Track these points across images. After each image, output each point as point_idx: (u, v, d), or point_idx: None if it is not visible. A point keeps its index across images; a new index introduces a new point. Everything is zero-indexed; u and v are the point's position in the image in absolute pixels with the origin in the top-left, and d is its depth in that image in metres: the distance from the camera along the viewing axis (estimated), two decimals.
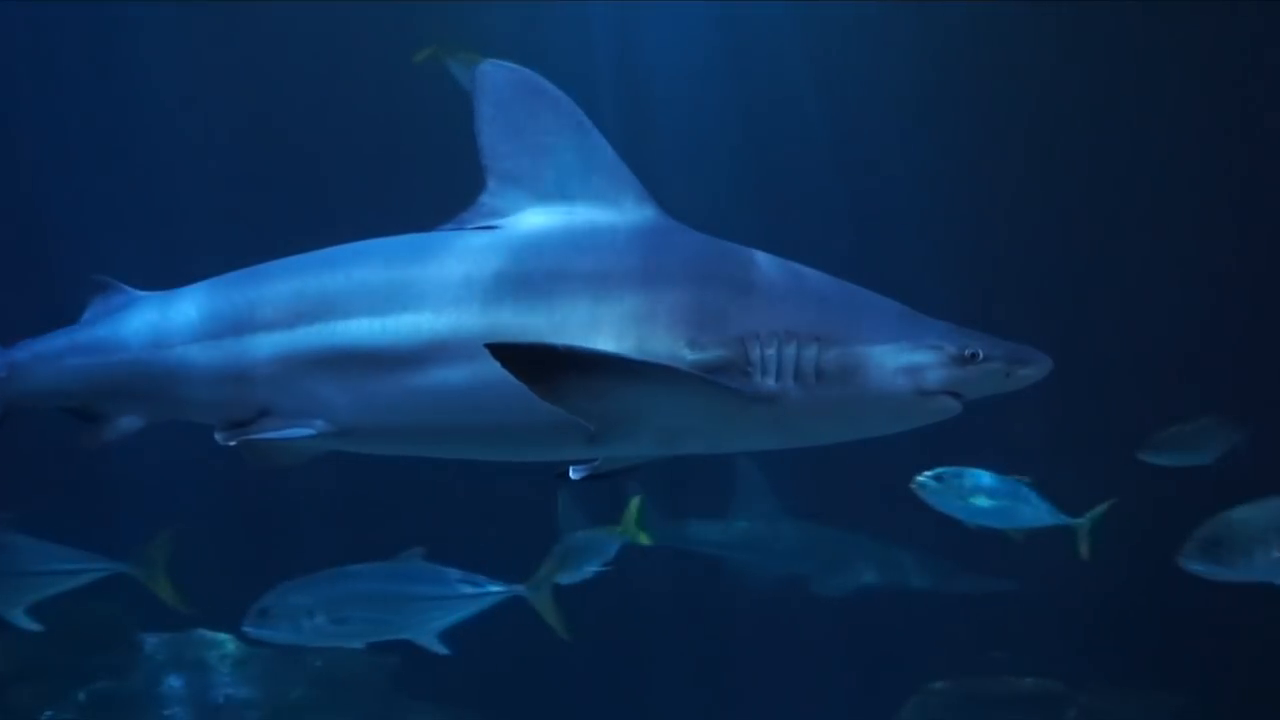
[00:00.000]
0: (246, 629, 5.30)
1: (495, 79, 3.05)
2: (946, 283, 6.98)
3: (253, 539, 7.38)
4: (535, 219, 3.01)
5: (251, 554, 6.88)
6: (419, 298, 2.89)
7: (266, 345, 2.99)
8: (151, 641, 7.06)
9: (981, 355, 2.74)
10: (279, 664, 7.11)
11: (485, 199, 3.02)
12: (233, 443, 2.99)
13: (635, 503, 6.09)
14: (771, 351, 2.70)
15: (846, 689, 6.97)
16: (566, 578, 6.06)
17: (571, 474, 3.12)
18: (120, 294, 3.41)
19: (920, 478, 5.30)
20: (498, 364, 2.48)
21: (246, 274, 3.21)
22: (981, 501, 5.28)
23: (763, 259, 2.95)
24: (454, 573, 5.45)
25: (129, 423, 3.31)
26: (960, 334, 2.79)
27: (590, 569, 6.12)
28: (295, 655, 6.96)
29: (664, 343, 2.70)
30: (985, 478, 5.29)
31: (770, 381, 2.68)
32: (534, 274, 2.90)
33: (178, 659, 7.08)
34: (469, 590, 5.43)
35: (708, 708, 7.33)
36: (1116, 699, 6.46)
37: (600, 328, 2.76)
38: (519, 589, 5.54)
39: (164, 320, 3.19)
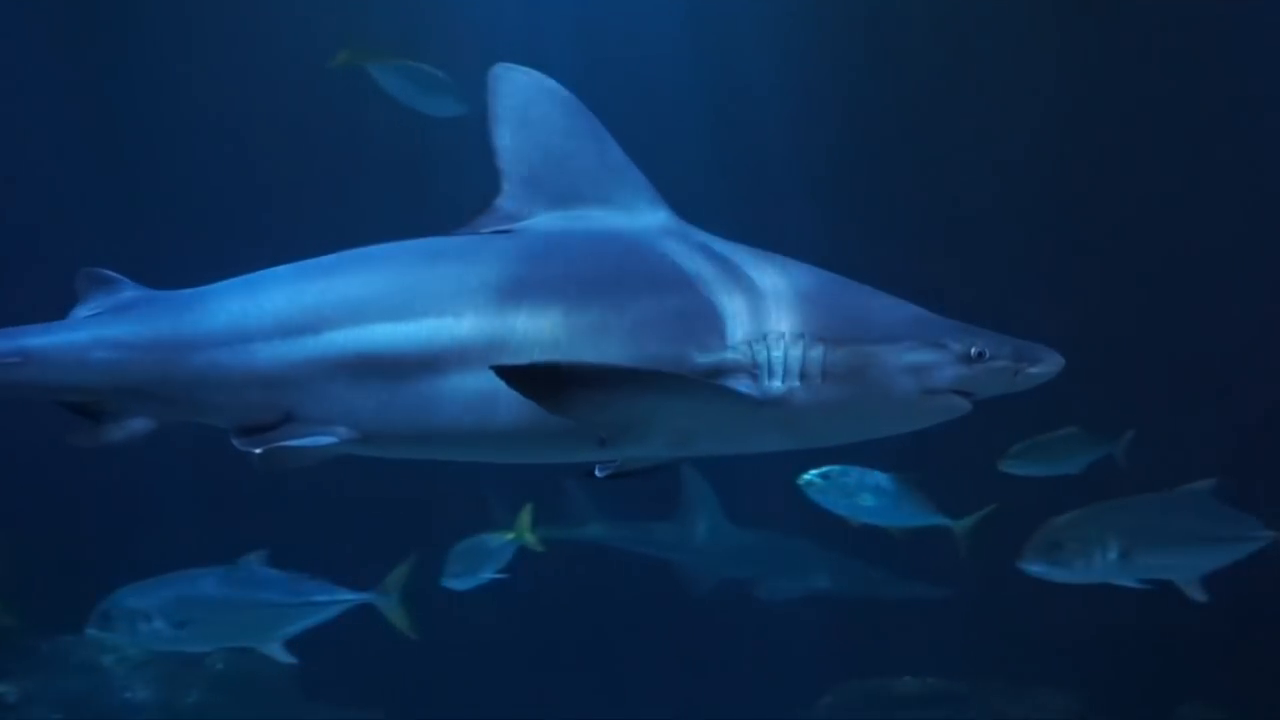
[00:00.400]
0: (90, 631, 5.18)
1: (509, 82, 3.10)
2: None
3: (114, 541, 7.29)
4: (549, 223, 3.06)
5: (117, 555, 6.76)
6: (437, 302, 2.93)
7: (293, 350, 3.01)
8: (46, 645, 6.89)
9: (988, 354, 2.75)
10: (178, 667, 6.98)
11: (500, 202, 3.06)
12: (257, 450, 2.98)
13: (528, 508, 6.08)
14: (778, 353, 2.75)
15: (756, 688, 7.01)
16: (461, 583, 6.02)
17: (597, 473, 3.15)
18: (129, 290, 3.35)
19: (806, 476, 5.34)
20: None
21: (267, 276, 3.21)
22: (866, 500, 5.34)
23: (771, 259, 2.99)
24: (298, 578, 5.28)
25: (140, 424, 3.26)
26: (967, 332, 2.80)
27: (485, 575, 6.04)
28: (195, 658, 6.85)
29: (672, 346, 2.74)
30: (870, 476, 5.34)
31: (777, 383, 2.73)
32: (547, 278, 2.93)
33: (73, 662, 6.90)
34: (313, 597, 5.26)
35: (613, 705, 7.23)
36: (1014, 698, 6.64)
37: (610, 332, 2.81)
38: (367, 596, 5.39)
39: (194, 321, 3.17)
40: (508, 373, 2.59)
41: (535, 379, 2.60)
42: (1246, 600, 6.06)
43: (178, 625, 4.95)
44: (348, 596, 5.32)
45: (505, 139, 3.07)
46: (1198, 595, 5.00)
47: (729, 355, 2.73)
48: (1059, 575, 4.83)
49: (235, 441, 3.01)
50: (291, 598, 5.20)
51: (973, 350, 2.74)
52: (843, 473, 5.35)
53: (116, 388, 3.20)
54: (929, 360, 2.72)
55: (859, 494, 5.34)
